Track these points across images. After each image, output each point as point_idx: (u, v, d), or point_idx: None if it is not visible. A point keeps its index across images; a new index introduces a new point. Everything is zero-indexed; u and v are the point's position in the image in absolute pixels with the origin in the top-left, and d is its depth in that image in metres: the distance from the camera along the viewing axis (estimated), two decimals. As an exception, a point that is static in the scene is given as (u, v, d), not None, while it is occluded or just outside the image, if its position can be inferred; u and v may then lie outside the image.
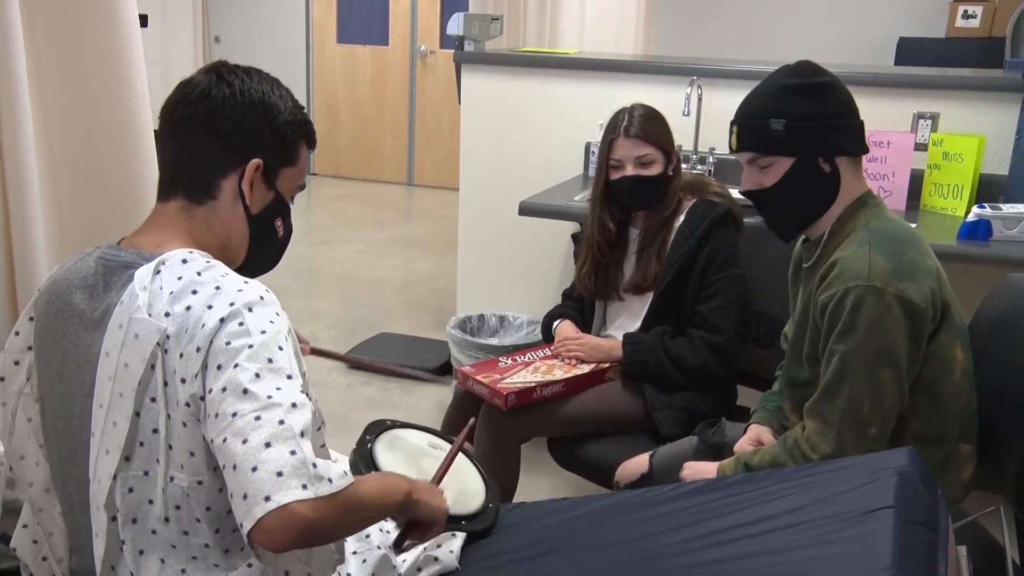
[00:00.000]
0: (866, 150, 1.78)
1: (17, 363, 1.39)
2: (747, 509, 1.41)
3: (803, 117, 1.70)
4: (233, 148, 1.32)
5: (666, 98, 3.28)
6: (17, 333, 1.39)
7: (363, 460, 1.61)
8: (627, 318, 2.47)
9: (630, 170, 2.33)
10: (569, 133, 3.49)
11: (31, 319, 1.37)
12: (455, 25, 3.62)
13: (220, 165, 1.33)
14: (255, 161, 1.33)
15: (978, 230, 2.52)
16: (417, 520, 1.42)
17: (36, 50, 2.20)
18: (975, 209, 2.55)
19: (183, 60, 7.83)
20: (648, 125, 2.33)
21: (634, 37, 5.25)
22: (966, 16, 5.94)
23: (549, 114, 3.51)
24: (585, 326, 2.53)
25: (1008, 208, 2.56)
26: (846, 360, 1.65)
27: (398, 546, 1.50)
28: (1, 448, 1.45)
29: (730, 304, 2.31)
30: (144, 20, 2.60)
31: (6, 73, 2.10)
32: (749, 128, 1.75)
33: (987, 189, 2.84)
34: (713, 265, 2.31)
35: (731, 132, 1.79)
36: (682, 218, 2.37)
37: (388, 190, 7.74)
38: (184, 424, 1.19)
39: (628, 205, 2.40)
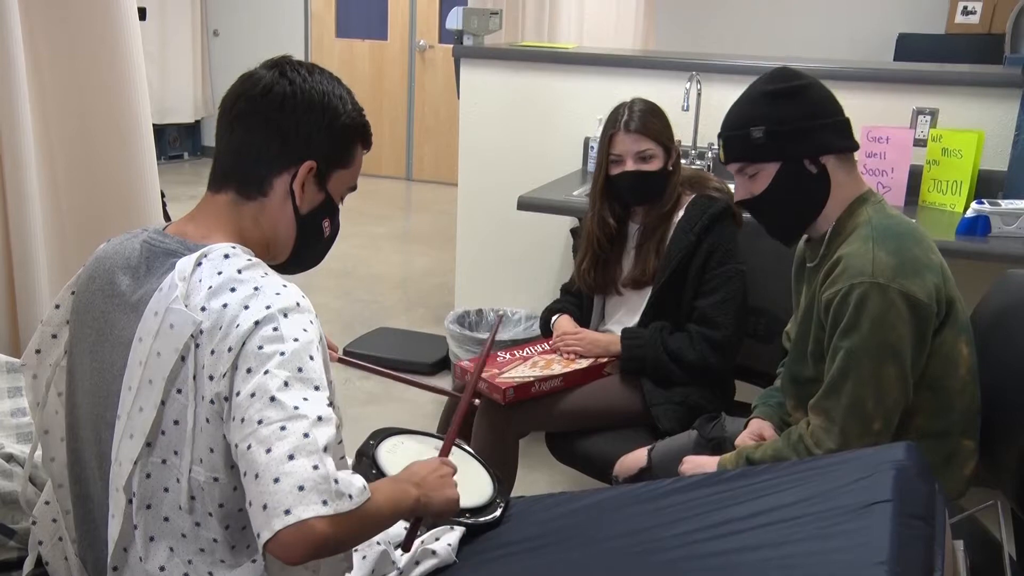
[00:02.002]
0: (855, 147, 1.78)
1: (55, 336, 1.40)
2: (745, 503, 1.41)
3: (782, 121, 1.72)
4: (289, 148, 1.32)
5: (665, 93, 3.27)
6: (57, 306, 1.40)
7: (366, 462, 1.62)
8: (625, 313, 2.47)
9: (630, 165, 2.33)
10: (568, 128, 3.49)
11: (72, 293, 1.38)
12: (454, 19, 3.61)
13: (274, 164, 1.32)
14: (309, 163, 1.33)
15: (977, 226, 2.52)
16: (427, 516, 1.41)
17: (34, 44, 2.20)
18: (974, 205, 2.55)
19: (181, 54, 7.83)
20: (648, 120, 2.33)
21: (633, 32, 5.24)
22: (966, 12, 5.93)
23: (548, 109, 3.51)
24: (583, 321, 2.53)
25: (1007, 204, 2.56)
26: (850, 356, 1.65)
27: (407, 548, 1.50)
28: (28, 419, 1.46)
29: (729, 299, 2.31)
30: (143, 13, 2.60)
31: (4, 66, 2.09)
32: (733, 139, 1.77)
33: (986, 185, 2.84)
34: (712, 260, 2.31)
35: (719, 145, 1.81)
36: (681, 213, 2.36)
37: (387, 185, 7.73)
38: (207, 420, 1.20)
39: (628, 200, 2.40)
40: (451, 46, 3.68)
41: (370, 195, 7.27)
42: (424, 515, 1.39)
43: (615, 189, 2.38)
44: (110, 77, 2.30)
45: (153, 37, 7.33)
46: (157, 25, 7.46)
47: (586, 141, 3.43)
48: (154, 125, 2.48)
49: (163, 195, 2.61)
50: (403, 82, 7.80)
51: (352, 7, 7.88)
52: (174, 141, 8.08)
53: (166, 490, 1.24)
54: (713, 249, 2.31)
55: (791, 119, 1.72)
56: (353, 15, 7.89)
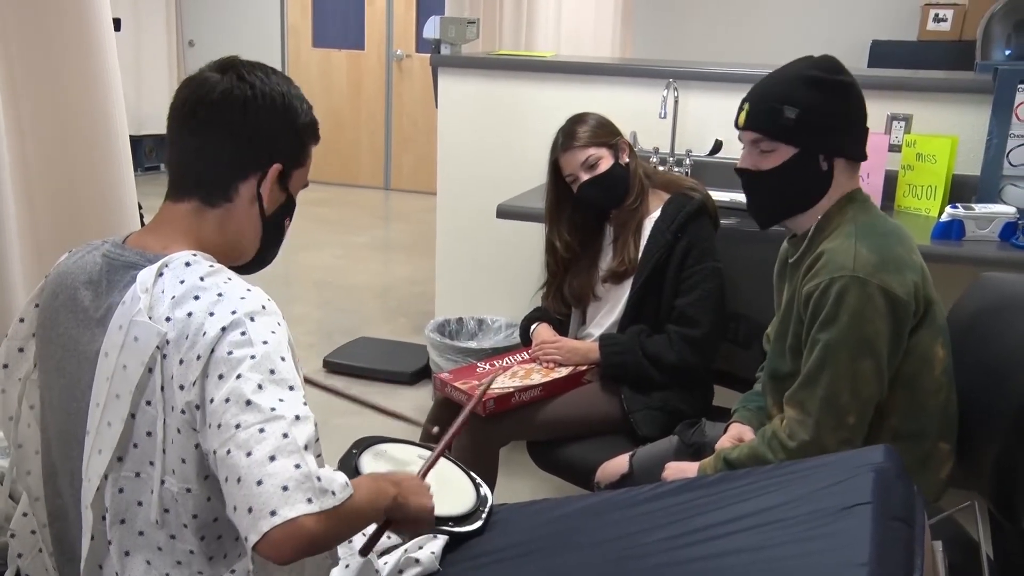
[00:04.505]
0: (865, 157, 1.79)
1: (22, 350, 1.39)
2: (726, 507, 1.41)
3: (816, 111, 1.71)
4: (255, 153, 1.31)
5: (643, 100, 3.29)
6: (22, 320, 1.38)
7: (348, 472, 1.61)
8: (606, 314, 2.48)
9: (584, 177, 2.37)
10: (546, 136, 3.45)
11: (36, 306, 1.37)
12: (431, 29, 3.62)
13: (241, 169, 1.31)
14: (277, 166, 1.32)
15: (951, 230, 2.55)
16: (399, 521, 1.40)
17: (8, 55, 2.18)
18: (948, 209, 2.58)
19: (156, 64, 7.78)
20: (576, 131, 2.39)
21: (611, 40, 5.26)
22: (937, 20, 6.00)
23: (526, 117, 3.51)
24: (563, 327, 2.54)
25: (980, 208, 2.59)
26: (828, 349, 1.66)
27: (364, 553, 1.47)
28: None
29: (706, 297, 2.32)
30: (117, 24, 2.58)
31: (-22, 77, 2.08)
32: (761, 110, 1.75)
33: (960, 190, 2.87)
34: (689, 258, 2.32)
35: (740, 108, 1.78)
36: (658, 213, 2.38)
37: (365, 195, 7.72)
38: (178, 431, 1.19)
39: (603, 205, 2.43)
40: (428, 55, 3.69)
41: (349, 205, 7.25)
42: (398, 517, 1.38)
43: (585, 202, 2.41)
44: (85, 88, 2.29)
45: (128, 48, 7.29)
46: (132, 36, 7.41)
47: (564, 149, 3.43)
48: (130, 136, 2.46)
49: (140, 207, 2.60)
50: (380, 92, 7.80)
51: (329, 17, 7.87)
52: (150, 152, 8.02)
53: (140, 504, 1.23)
54: (690, 247, 2.32)
55: (825, 112, 1.71)
56: (330, 25, 7.88)
